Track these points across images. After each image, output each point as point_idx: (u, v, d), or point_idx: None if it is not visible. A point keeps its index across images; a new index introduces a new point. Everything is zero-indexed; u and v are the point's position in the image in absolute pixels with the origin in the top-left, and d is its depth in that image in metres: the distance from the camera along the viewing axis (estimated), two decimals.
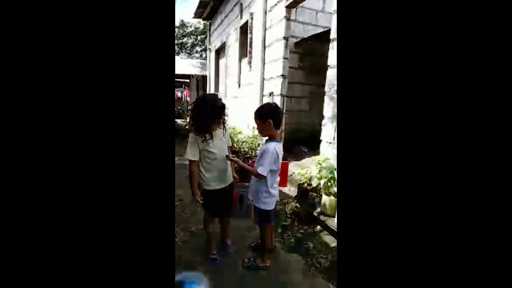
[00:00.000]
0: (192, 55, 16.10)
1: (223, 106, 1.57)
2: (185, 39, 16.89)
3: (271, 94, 3.96)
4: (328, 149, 2.64)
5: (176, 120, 6.89)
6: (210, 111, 1.51)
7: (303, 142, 4.13)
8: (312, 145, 3.70)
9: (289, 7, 3.54)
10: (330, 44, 2.57)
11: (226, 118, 1.61)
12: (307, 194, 2.52)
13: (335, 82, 2.53)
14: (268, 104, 1.64)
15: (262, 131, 1.58)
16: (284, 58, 3.67)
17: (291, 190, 2.97)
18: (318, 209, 2.31)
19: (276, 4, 3.77)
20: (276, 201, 1.66)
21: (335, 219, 2.12)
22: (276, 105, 1.61)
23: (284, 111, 3.80)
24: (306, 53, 4.39)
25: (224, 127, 1.63)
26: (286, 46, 3.65)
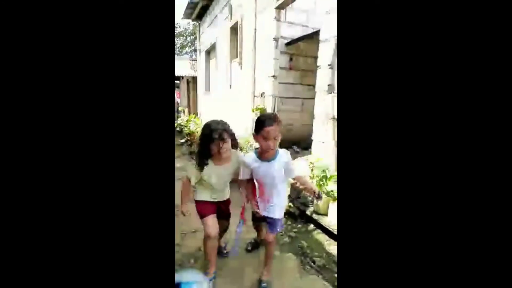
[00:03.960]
0: (182, 56, 15.93)
1: (231, 134, 1.42)
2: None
3: (262, 94, 3.97)
4: (320, 149, 2.67)
5: None
6: (211, 142, 1.36)
7: (294, 142, 4.15)
8: (303, 145, 3.73)
9: (279, 8, 3.56)
10: (320, 45, 2.60)
11: (235, 144, 1.47)
12: (300, 193, 2.54)
13: (326, 82, 2.56)
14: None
15: (266, 146, 1.33)
16: (274, 58, 3.69)
17: None
18: (311, 208, 2.34)
19: (265, 6, 3.78)
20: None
21: (328, 217, 2.14)
22: (261, 113, 1.51)
23: (276, 111, 3.82)
24: (297, 54, 4.42)
25: (232, 152, 1.47)
26: (276, 47, 3.68)
